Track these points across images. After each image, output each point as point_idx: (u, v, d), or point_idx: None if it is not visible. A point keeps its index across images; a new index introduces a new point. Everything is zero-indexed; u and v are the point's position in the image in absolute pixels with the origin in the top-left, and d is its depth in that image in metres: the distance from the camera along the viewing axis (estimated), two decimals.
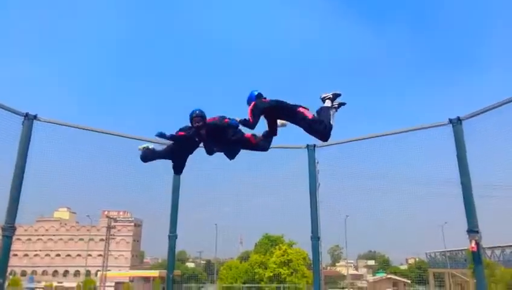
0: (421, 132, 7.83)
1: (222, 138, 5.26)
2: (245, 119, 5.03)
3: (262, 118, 5.16)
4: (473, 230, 6.22)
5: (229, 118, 5.20)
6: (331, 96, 5.08)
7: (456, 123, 6.81)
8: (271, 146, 9.52)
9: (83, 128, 7.88)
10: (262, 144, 5.45)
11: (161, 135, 5.24)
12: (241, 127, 5.28)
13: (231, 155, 5.61)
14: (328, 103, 5.05)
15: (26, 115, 6.94)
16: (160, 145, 6.51)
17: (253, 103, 4.99)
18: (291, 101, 5.16)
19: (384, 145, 8.76)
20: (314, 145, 9.09)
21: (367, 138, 8.72)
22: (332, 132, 5.07)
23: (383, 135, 8.44)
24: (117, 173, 8.63)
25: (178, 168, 5.98)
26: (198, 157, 6.08)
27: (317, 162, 9.07)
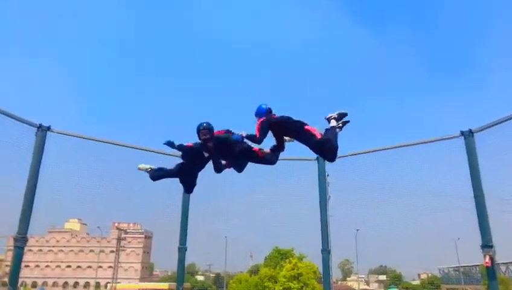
0: (433, 144, 7.76)
1: (229, 150, 5.24)
2: (252, 134, 5.03)
3: (270, 133, 5.15)
4: (487, 245, 6.10)
5: (233, 132, 5.20)
6: (336, 116, 5.03)
7: (468, 135, 6.74)
8: (281, 158, 9.54)
9: (95, 140, 7.98)
10: (269, 158, 5.41)
11: (169, 144, 5.24)
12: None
13: (239, 168, 5.60)
14: (333, 123, 5.00)
15: (40, 127, 7.05)
16: (165, 156, 6.58)
17: (261, 119, 4.99)
18: (298, 118, 5.09)
19: (395, 157, 8.69)
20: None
21: (377, 150, 8.66)
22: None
23: (394, 147, 8.38)
24: (128, 185, 8.67)
25: (188, 187, 6.00)
26: (208, 170, 6.08)
27: (328, 175, 9.01)
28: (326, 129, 4.96)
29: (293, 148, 5.62)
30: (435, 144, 7.70)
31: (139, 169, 5.94)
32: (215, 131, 5.23)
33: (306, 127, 4.92)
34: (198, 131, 5.18)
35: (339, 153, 9.12)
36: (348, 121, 5.04)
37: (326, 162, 9.03)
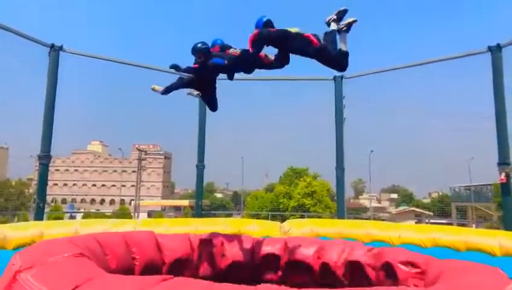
0: (454, 63, 7.46)
1: (230, 64, 4.98)
2: (246, 49, 4.69)
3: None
4: (504, 162, 6.13)
5: (230, 46, 4.96)
6: (335, 16, 4.46)
7: (496, 50, 6.42)
8: (299, 78, 9.36)
9: (109, 60, 7.89)
10: (275, 64, 5.05)
11: (175, 67, 5.08)
12: None
13: (248, 71, 5.32)
14: (333, 26, 4.47)
15: (52, 46, 6.97)
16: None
17: (256, 32, 4.55)
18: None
19: (413, 77, 8.43)
20: (342, 77, 8.85)
21: (396, 69, 8.40)
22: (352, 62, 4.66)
23: (414, 65, 8.10)
24: (145, 107, 8.74)
25: (211, 103, 5.69)
26: (225, 90, 5.95)
27: (344, 97, 8.91)
28: (325, 33, 4.50)
29: (311, 65, 5.32)
30: (459, 63, 7.40)
31: (153, 90, 5.72)
32: (210, 48, 5.01)
33: (304, 35, 4.46)
34: (193, 54, 4.96)
35: (356, 71, 8.77)
36: (354, 20, 4.44)
37: (344, 82, 8.86)
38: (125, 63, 8.06)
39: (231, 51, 5.00)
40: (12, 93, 7.07)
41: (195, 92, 5.64)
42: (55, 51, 6.98)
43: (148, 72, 8.33)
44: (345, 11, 4.46)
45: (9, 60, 6.72)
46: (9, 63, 6.77)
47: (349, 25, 4.40)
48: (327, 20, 4.54)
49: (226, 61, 4.89)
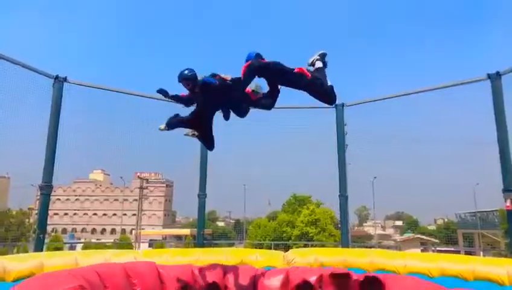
0: (455, 90, 7.51)
1: (218, 94, 4.96)
2: (237, 77, 4.75)
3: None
4: (509, 189, 6.06)
5: (219, 75, 4.94)
6: (319, 57, 4.69)
7: (495, 78, 6.49)
8: (300, 106, 9.42)
9: (112, 90, 7.99)
10: (264, 102, 5.10)
11: (162, 92, 5.03)
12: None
13: (239, 113, 5.29)
14: (319, 64, 4.66)
15: (56, 78, 7.08)
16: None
17: (248, 62, 4.63)
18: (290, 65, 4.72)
19: (416, 103, 8.48)
20: (343, 105, 8.92)
21: (397, 96, 8.47)
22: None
23: (415, 93, 8.16)
24: (147, 135, 8.76)
25: (207, 142, 5.68)
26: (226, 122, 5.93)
27: (345, 124, 8.93)
28: (316, 69, 4.65)
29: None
30: (460, 91, 7.46)
31: (160, 130, 5.56)
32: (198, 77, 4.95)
33: (296, 70, 4.59)
34: (180, 81, 4.92)
35: (360, 98, 8.84)
36: (325, 53, 4.67)
37: (345, 110, 8.92)
38: (127, 93, 8.16)
39: (222, 75, 5.01)
40: (14, 122, 7.09)
41: (191, 132, 5.61)
42: (59, 82, 7.10)
43: (150, 101, 8.39)
44: (326, 54, 4.70)
45: (12, 90, 6.79)
46: (12, 93, 6.84)
47: (323, 57, 4.66)
48: (311, 61, 4.71)
49: (217, 82, 4.85)
